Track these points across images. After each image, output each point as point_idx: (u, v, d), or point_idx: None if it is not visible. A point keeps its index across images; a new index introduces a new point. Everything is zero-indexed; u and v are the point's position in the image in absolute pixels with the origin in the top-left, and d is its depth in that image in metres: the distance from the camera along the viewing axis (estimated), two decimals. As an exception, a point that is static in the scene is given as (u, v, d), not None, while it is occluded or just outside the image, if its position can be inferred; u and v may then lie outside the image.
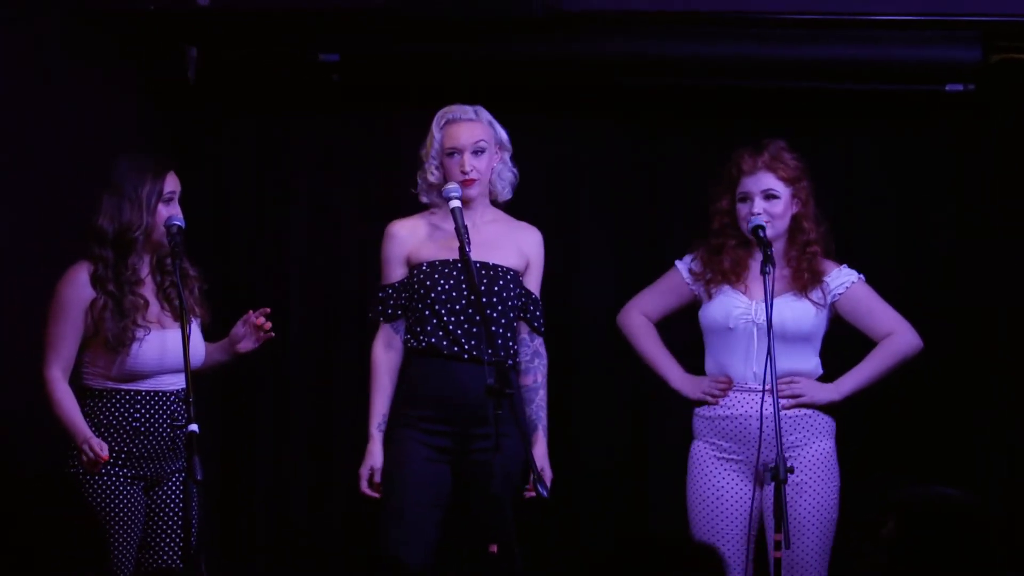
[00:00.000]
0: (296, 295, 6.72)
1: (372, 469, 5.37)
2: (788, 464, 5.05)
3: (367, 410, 5.44)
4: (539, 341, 5.48)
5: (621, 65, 6.37)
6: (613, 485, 6.55)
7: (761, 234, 5.32)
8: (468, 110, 5.43)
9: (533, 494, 5.18)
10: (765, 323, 5.29)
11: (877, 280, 6.53)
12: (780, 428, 5.05)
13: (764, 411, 5.34)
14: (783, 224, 5.45)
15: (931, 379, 6.46)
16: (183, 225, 5.15)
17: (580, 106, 6.64)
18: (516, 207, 5.57)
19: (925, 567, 3.58)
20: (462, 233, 5.21)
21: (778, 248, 5.46)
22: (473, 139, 5.38)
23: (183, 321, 5.00)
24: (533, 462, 5.08)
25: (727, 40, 6.29)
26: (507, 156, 5.48)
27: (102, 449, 5.02)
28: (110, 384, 5.16)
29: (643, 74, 6.40)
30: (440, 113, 5.45)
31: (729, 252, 5.46)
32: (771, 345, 5.15)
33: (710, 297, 5.46)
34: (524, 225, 5.53)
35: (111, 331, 5.09)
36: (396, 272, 5.44)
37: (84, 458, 5.04)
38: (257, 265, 6.74)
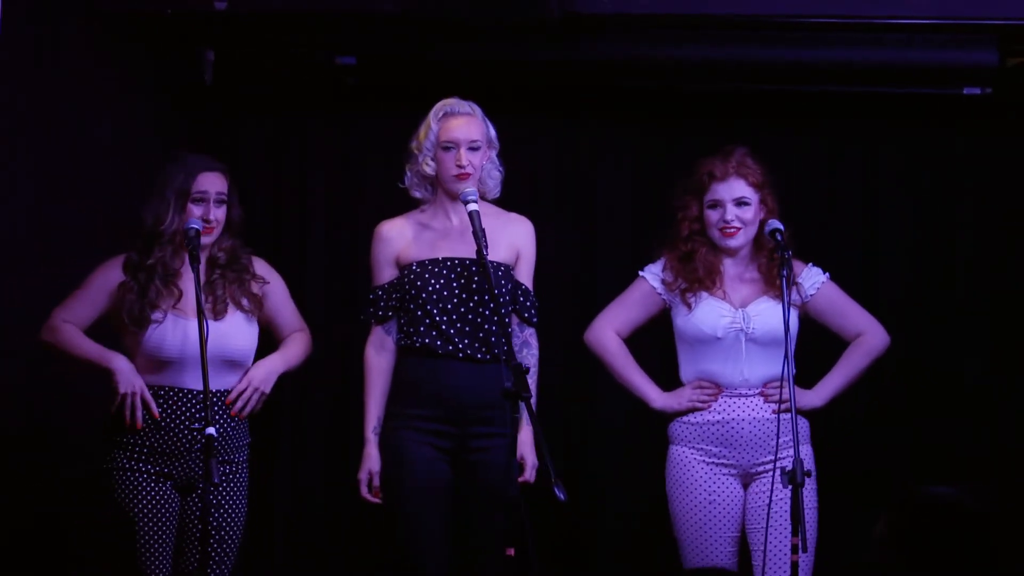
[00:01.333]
0: (313, 297, 6.73)
1: (370, 473, 5.35)
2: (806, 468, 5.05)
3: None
4: (529, 331, 5.44)
5: (641, 67, 6.38)
6: (630, 488, 6.55)
7: (779, 237, 5.31)
8: (465, 105, 5.43)
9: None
10: (753, 331, 5.35)
11: (893, 281, 6.55)
12: (797, 431, 5.04)
13: (765, 415, 5.38)
14: (754, 230, 5.45)
15: (947, 380, 6.48)
16: (199, 228, 5.24)
17: (600, 107, 6.64)
18: (531, 208, 5.57)
19: (915, 566, 3.57)
20: (480, 236, 5.20)
21: (746, 254, 5.48)
22: (470, 135, 5.38)
23: (200, 318, 5.04)
24: (551, 465, 5.06)
25: (748, 44, 6.31)
26: (494, 154, 5.47)
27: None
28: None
29: (664, 76, 6.42)
30: (438, 106, 5.44)
31: (702, 259, 5.45)
32: (788, 348, 5.14)
33: (689, 306, 5.43)
34: (514, 216, 5.50)
35: (129, 312, 5.22)
36: (386, 273, 5.44)
37: (127, 408, 5.20)
38: (273, 266, 6.74)
